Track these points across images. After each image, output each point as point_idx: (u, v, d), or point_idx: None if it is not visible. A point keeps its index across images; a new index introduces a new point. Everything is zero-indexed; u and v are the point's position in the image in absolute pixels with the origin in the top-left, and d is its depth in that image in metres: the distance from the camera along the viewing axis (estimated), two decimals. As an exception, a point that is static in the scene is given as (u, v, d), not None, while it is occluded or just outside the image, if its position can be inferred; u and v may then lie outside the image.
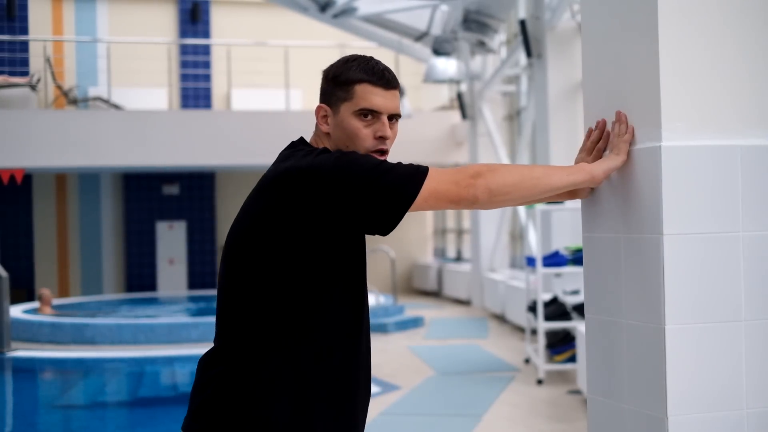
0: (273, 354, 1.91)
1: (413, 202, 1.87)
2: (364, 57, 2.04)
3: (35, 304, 12.89)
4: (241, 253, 1.95)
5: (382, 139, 1.99)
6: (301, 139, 2.08)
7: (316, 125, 2.07)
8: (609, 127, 2.14)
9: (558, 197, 2.27)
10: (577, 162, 2.17)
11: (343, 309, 1.98)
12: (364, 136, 1.98)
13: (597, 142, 2.15)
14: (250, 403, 1.90)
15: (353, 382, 2.01)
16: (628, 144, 2.06)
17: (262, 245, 1.91)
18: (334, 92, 2.01)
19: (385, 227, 1.89)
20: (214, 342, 2.02)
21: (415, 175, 1.89)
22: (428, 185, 1.88)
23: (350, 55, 2.04)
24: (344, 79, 1.99)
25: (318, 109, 2.04)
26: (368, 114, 1.98)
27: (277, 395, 1.90)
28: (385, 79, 1.99)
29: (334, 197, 1.86)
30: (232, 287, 1.96)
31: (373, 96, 1.98)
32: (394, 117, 2.02)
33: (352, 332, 2.00)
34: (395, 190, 1.87)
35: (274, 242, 1.90)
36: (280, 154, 2.03)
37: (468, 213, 15.70)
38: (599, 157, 2.14)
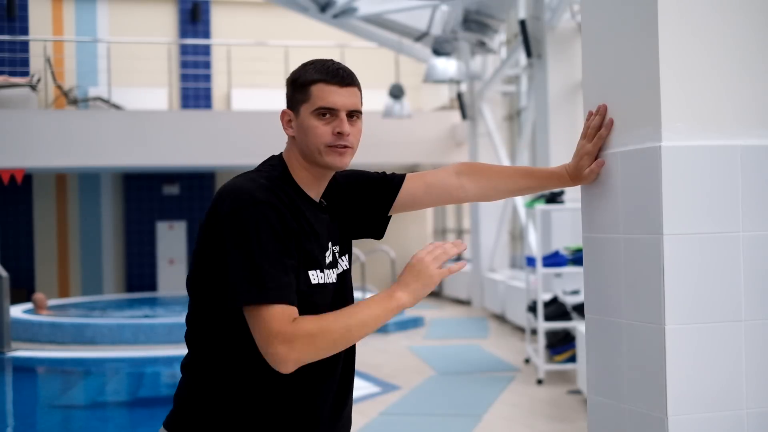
0: (214, 372, 1.97)
1: (234, 306, 1.85)
2: (322, 59, 2.06)
3: (32, 305, 12.85)
4: (192, 266, 2.03)
5: (340, 135, 1.99)
6: (271, 157, 2.10)
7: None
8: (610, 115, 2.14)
9: (560, 184, 2.25)
10: (577, 148, 2.18)
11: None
12: (322, 133, 1.99)
13: (598, 128, 2.15)
14: (195, 414, 1.99)
15: (304, 421, 2.00)
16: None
17: (198, 264, 2.00)
18: (294, 96, 2.04)
19: (230, 301, 1.87)
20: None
21: (258, 292, 1.82)
22: (260, 311, 1.81)
23: (310, 60, 2.06)
24: (302, 81, 2.02)
25: (282, 114, 2.06)
26: (326, 113, 1.99)
27: (212, 415, 1.96)
28: (340, 76, 2.00)
29: (211, 248, 1.92)
30: (190, 298, 2.04)
31: (328, 94, 1.99)
32: (354, 114, 2.02)
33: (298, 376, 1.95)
34: (240, 284, 1.83)
35: (202, 265, 1.98)
36: None
37: (468, 213, 15.70)
38: (600, 144, 2.15)
